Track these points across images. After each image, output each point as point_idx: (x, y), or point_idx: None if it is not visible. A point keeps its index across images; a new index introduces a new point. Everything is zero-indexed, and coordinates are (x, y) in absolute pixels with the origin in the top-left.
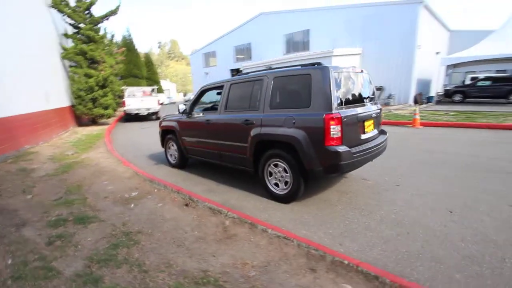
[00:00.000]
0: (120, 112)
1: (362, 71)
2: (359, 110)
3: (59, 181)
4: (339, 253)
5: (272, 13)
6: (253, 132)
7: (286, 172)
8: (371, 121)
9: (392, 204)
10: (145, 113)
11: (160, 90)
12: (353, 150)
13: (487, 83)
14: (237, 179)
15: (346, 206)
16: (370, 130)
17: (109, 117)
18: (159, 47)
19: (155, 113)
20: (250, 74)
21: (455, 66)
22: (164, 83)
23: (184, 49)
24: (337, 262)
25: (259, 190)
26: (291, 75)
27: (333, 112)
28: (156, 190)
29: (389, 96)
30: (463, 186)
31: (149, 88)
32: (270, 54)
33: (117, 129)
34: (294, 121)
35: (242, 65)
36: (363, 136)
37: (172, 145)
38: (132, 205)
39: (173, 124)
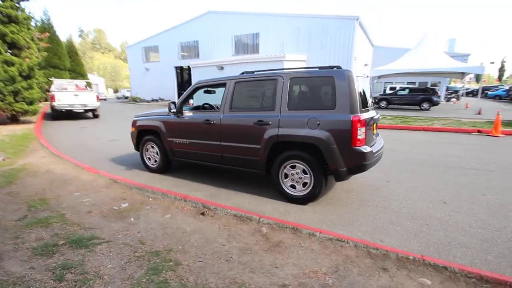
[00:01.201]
0: (42, 108)
1: (367, 76)
2: (370, 113)
3: (8, 195)
4: (399, 249)
5: (221, 12)
6: (268, 133)
7: (306, 174)
8: (376, 124)
9: (396, 199)
10: (81, 110)
11: (89, 85)
12: (373, 150)
13: (405, 92)
14: (236, 181)
15: (360, 203)
16: (375, 132)
17: (34, 114)
18: (80, 35)
19: (93, 110)
20: (257, 73)
21: (379, 77)
22: (91, 77)
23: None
24: (402, 258)
25: (266, 192)
26: (311, 76)
27: (359, 114)
28: (151, 199)
29: None
30: (439, 180)
31: (82, 82)
32: (219, 54)
33: (47, 128)
34: (318, 122)
35: (191, 63)
36: (374, 138)
37: (152, 147)
38: (132, 219)
39: (156, 124)
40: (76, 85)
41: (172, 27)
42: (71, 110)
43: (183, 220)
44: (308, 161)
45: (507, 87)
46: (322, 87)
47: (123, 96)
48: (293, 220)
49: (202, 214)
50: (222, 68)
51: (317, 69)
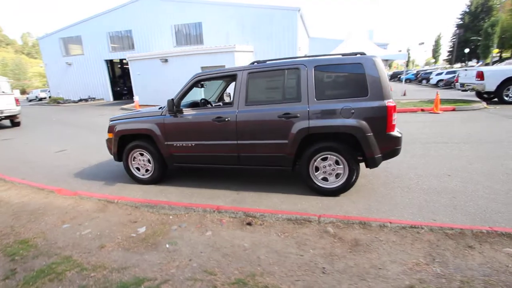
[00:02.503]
0: None
1: None
2: None
3: None
4: (467, 226)
5: None
6: (297, 126)
7: (338, 164)
8: None
9: (410, 178)
10: None
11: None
12: None
13: None
14: (249, 182)
15: (385, 187)
16: None
17: None
18: None
19: (12, 116)
20: (270, 62)
21: None
22: None
23: (9, 32)
24: (477, 233)
25: (290, 188)
26: (337, 64)
27: (391, 100)
28: (171, 217)
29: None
30: (426, 156)
31: None
32: (158, 45)
33: None
34: (353, 111)
35: (126, 56)
36: None
37: (141, 155)
38: (168, 245)
39: (147, 126)
40: None
41: (98, 14)
42: None
43: (231, 235)
44: (342, 151)
45: (415, 71)
46: (350, 74)
47: (37, 97)
48: (343, 213)
49: (249, 224)
50: (166, 60)
51: (340, 56)
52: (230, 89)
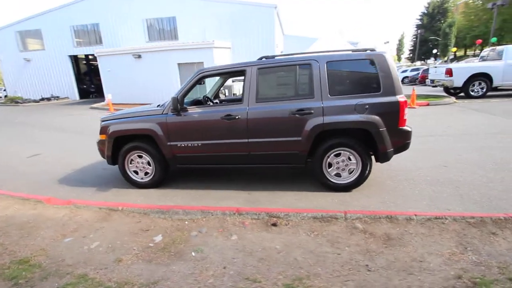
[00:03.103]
0: None
1: None
2: None
3: None
4: (485, 213)
5: None
6: (311, 122)
7: (351, 160)
8: None
9: (411, 170)
10: None
11: None
12: None
13: None
14: (257, 181)
15: (392, 180)
16: None
17: None
18: None
19: None
20: (279, 58)
21: None
22: None
23: None
24: (496, 220)
25: (301, 185)
26: (349, 59)
27: (402, 95)
28: (187, 222)
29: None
30: (420, 148)
31: None
32: (128, 40)
33: None
34: (367, 106)
35: (95, 51)
36: None
37: (139, 157)
38: (194, 253)
39: (148, 126)
40: None
41: (60, 6)
42: None
43: (258, 237)
44: (356, 146)
45: None
46: (362, 70)
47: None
48: (360, 208)
49: (274, 225)
50: (139, 56)
51: (350, 52)
52: (233, 87)
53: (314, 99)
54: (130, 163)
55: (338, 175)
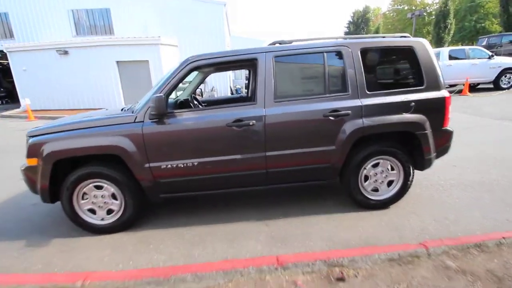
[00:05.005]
0: None
1: None
2: None
3: None
4: None
5: None
6: (348, 126)
7: (393, 170)
8: None
9: (429, 173)
10: None
11: None
12: None
13: None
14: (260, 202)
15: (420, 187)
16: None
17: None
18: None
19: None
20: (296, 43)
21: None
22: None
23: None
24: None
25: (319, 203)
26: (385, 46)
27: (445, 89)
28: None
29: (212, 89)
30: None
31: None
32: (50, 34)
33: None
34: (412, 104)
35: (3, 46)
36: None
37: (98, 188)
38: None
39: (113, 141)
40: None
41: None
42: None
43: None
44: (398, 154)
45: None
46: (401, 60)
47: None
48: (418, 231)
49: (341, 279)
50: (66, 52)
51: (383, 37)
52: (206, 83)
53: (349, 96)
54: (82, 199)
55: (375, 189)
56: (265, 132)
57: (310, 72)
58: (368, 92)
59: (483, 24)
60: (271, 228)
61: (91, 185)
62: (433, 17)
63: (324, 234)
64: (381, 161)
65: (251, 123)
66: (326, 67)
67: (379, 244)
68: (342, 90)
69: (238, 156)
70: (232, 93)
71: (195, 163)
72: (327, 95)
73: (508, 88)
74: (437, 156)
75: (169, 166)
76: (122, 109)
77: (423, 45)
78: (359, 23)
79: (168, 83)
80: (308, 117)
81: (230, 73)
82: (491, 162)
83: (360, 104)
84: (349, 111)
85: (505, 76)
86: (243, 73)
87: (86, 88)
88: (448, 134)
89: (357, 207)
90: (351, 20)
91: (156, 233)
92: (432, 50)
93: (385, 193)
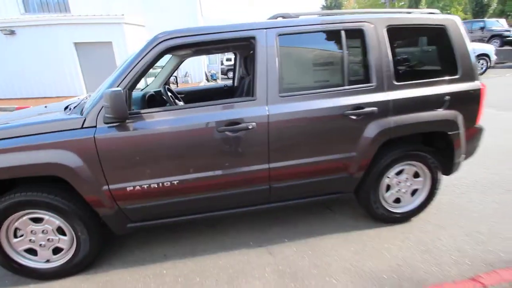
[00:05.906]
0: None
1: None
2: None
3: None
4: None
5: None
6: (373, 127)
7: (417, 176)
8: None
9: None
10: None
11: None
12: None
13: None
14: (252, 221)
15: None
16: None
17: None
18: None
19: None
20: (304, 18)
21: None
22: None
23: None
24: None
25: (329, 215)
26: (416, 25)
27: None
28: None
29: (186, 75)
30: None
31: None
32: None
33: None
34: (447, 97)
35: None
36: None
37: (35, 221)
38: None
39: (51, 156)
40: None
41: None
42: None
43: None
44: (427, 158)
45: None
46: (431, 42)
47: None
48: (456, 254)
49: None
50: (12, 32)
51: (407, 13)
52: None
53: (375, 89)
54: (15, 237)
55: (397, 200)
56: (269, 138)
57: (325, 56)
58: (396, 83)
59: (449, 11)
60: (276, 258)
61: (25, 217)
62: (404, 3)
63: (346, 264)
64: (406, 167)
65: (250, 127)
66: (344, 50)
67: (415, 275)
68: (365, 81)
69: (233, 170)
70: (207, 79)
71: (175, 182)
72: (347, 87)
73: (481, 74)
74: (466, 158)
75: (138, 187)
76: (66, 108)
77: (456, 24)
78: (332, 7)
79: (130, 71)
80: (323, 116)
81: (204, 57)
82: (495, 154)
83: (388, 98)
84: (375, 108)
85: (478, 62)
86: (218, 57)
87: (37, 74)
88: (480, 133)
89: (367, 219)
90: (324, 4)
91: (126, 274)
92: (465, 31)
93: (408, 204)
